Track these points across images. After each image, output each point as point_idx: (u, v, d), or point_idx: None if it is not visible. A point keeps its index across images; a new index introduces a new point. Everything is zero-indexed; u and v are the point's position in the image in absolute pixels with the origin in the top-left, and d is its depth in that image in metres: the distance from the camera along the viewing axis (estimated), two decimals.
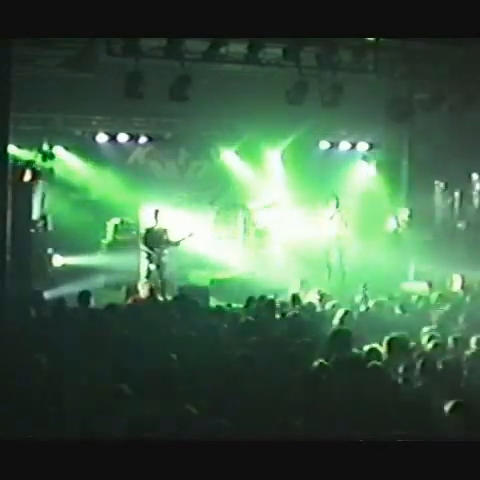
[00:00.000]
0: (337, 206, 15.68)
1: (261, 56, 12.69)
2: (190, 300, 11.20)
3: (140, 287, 12.53)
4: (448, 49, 13.15)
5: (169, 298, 12.80)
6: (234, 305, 12.07)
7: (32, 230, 14.45)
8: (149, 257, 14.61)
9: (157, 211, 15.01)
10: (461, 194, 17.63)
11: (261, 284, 14.45)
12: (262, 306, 10.97)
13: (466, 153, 16.58)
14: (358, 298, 11.99)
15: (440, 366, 7.77)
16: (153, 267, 14.53)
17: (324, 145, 17.83)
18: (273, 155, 17.78)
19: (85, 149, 16.45)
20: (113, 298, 11.91)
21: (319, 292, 12.01)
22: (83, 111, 15.91)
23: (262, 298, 11.36)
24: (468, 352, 8.55)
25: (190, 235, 14.90)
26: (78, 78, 13.31)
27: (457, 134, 16.24)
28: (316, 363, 7.52)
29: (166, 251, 14.72)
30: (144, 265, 14.74)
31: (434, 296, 12.06)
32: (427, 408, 6.58)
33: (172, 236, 14.87)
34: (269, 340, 8.92)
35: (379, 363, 7.73)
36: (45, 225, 15.12)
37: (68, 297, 11.22)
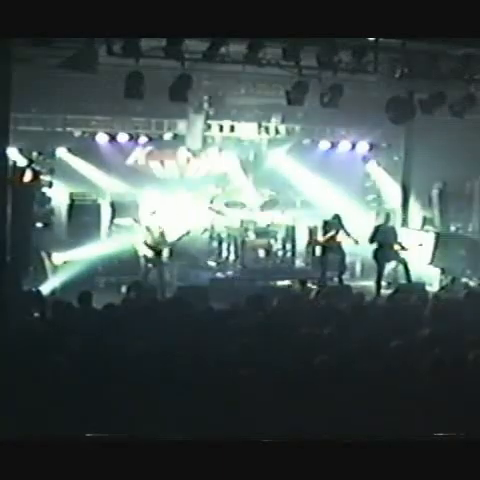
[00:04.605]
0: (340, 224, 15.43)
1: (261, 56, 12.69)
2: (186, 302, 11.14)
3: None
4: (448, 49, 13.15)
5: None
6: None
7: (32, 230, 14.44)
8: (148, 257, 14.59)
9: (157, 211, 15.00)
10: (460, 195, 17.64)
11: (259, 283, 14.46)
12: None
13: (466, 154, 16.58)
14: None
15: None
16: (151, 267, 14.53)
17: (324, 145, 17.84)
18: (273, 155, 17.82)
19: (85, 149, 16.45)
20: (113, 298, 11.87)
21: None
22: (83, 111, 15.93)
23: (260, 297, 11.33)
24: None
25: (188, 234, 14.90)
26: (78, 78, 13.30)
27: (457, 135, 16.23)
28: None
29: (165, 251, 14.71)
30: (143, 265, 14.72)
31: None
32: None
33: (171, 236, 14.86)
34: None
35: None
36: (45, 225, 15.11)
37: (68, 297, 11.20)
